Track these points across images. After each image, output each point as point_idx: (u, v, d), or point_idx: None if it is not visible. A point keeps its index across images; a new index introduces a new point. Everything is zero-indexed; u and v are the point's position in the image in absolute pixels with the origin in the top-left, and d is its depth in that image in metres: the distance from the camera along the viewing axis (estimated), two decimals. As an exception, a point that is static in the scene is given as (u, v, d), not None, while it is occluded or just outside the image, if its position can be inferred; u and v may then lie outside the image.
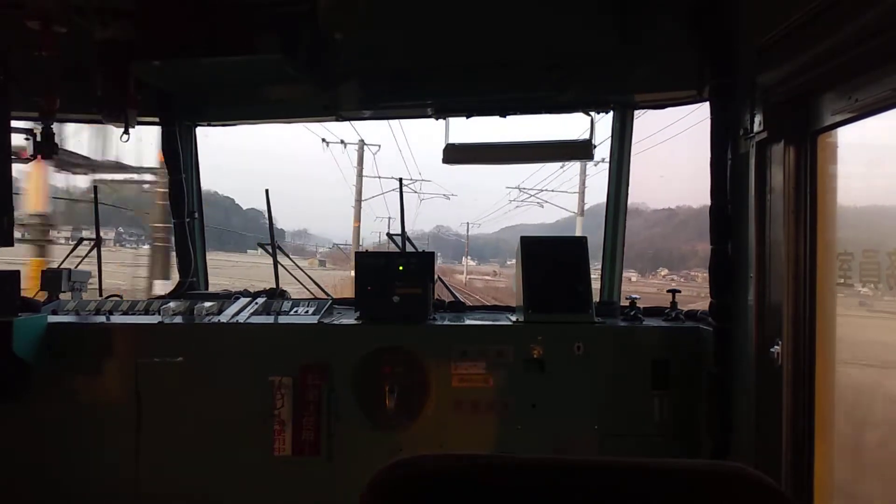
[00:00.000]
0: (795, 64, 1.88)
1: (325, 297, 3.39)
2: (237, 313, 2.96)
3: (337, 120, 3.44)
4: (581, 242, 3.02)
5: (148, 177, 9.83)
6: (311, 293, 3.59)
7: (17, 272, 2.76)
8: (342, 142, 20.09)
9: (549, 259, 2.96)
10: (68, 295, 3.25)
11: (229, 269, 16.92)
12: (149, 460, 2.80)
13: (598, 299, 3.21)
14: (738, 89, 2.26)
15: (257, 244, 3.84)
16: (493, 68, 3.08)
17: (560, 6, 2.67)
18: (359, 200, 20.07)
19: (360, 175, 20.35)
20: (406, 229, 3.46)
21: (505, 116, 3.24)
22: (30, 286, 3.48)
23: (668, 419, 2.74)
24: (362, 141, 20.61)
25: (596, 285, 3.15)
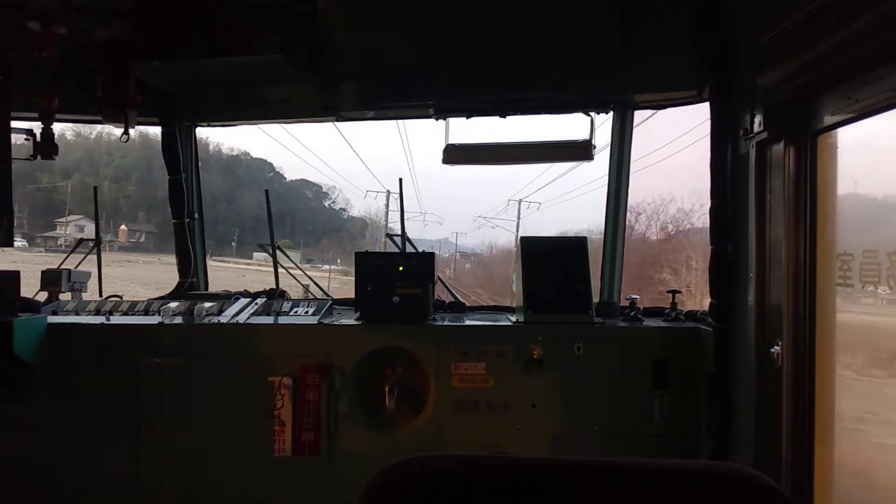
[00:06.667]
0: (795, 64, 1.88)
1: (325, 297, 3.39)
2: (237, 314, 2.96)
3: (337, 120, 3.44)
4: (581, 242, 3.02)
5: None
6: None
7: (17, 272, 2.75)
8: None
9: (549, 259, 2.96)
10: (68, 295, 3.25)
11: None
12: (149, 460, 2.79)
13: (598, 300, 3.21)
14: (737, 89, 2.26)
15: (258, 245, 3.83)
16: (493, 68, 3.08)
17: (560, 6, 2.67)
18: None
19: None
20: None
21: (505, 117, 3.24)
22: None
23: (668, 419, 2.74)
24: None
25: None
